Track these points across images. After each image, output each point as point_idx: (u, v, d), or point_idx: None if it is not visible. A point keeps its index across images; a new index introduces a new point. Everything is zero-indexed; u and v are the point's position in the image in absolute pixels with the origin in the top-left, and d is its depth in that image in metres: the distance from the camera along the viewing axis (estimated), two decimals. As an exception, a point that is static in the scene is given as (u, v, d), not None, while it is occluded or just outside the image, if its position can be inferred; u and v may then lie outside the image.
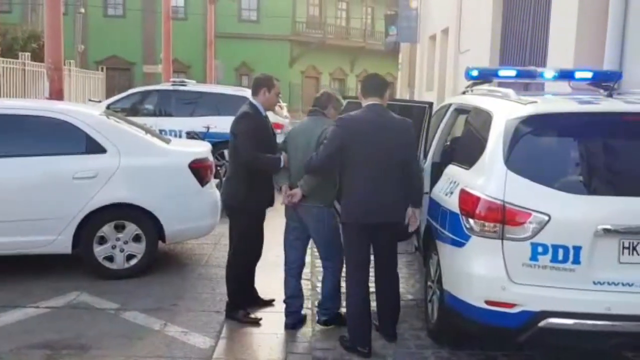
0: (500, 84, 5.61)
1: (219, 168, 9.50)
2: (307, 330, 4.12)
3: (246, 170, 4.15)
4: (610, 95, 3.76)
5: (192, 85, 11.18)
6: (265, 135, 4.27)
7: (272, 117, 10.37)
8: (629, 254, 3.10)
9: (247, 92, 10.83)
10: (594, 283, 3.10)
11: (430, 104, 5.33)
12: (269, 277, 4.77)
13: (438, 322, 3.85)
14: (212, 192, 5.67)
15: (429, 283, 4.11)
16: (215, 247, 6.18)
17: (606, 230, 3.09)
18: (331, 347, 3.87)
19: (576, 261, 3.10)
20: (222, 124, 9.93)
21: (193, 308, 4.49)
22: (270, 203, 4.39)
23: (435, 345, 3.88)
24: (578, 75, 4.29)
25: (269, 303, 4.54)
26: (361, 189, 3.69)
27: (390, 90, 4.04)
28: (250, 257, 4.44)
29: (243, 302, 4.29)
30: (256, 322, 4.18)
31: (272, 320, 4.26)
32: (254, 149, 4.07)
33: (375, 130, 3.69)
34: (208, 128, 9.66)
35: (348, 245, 3.87)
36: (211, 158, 5.86)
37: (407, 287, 4.97)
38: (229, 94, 10.65)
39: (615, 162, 3.38)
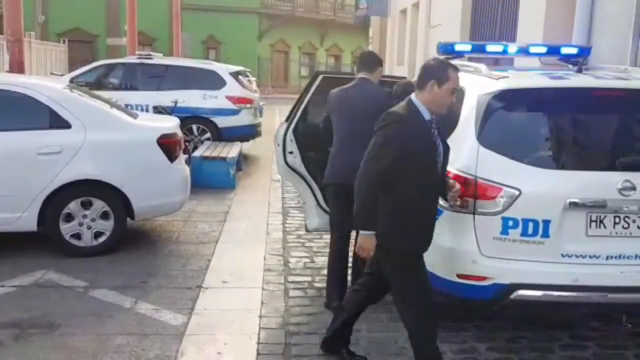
0: (470, 59, 5.64)
1: (187, 144, 9.36)
2: (280, 306, 4.13)
3: None
4: (579, 71, 3.81)
5: (159, 59, 10.91)
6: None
7: (241, 92, 10.31)
8: (596, 227, 3.17)
9: (216, 66, 10.75)
10: (562, 256, 3.17)
11: (409, 82, 5.31)
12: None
13: (410, 296, 3.89)
14: (182, 167, 5.57)
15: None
16: (185, 223, 6.12)
17: (574, 204, 3.14)
18: (304, 321, 3.89)
19: (545, 234, 3.16)
20: (191, 99, 9.82)
21: (164, 285, 4.45)
22: None
23: (407, 319, 3.93)
24: (534, 49, 4.29)
25: None
26: (339, 152, 3.95)
27: (381, 66, 4.23)
28: None
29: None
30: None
31: (245, 296, 4.26)
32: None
33: (351, 98, 3.92)
34: (176, 102, 9.50)
35: (330, 206, 4.11)
36: (180, 133, 5.75)
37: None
38: (198, 68, 10.45)
39: (584, 137, 3.44)
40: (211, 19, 30.76)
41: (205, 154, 8.30)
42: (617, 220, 3.16)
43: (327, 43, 37.16)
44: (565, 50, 4.40)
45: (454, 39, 11.88)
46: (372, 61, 4.21)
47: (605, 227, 3.17)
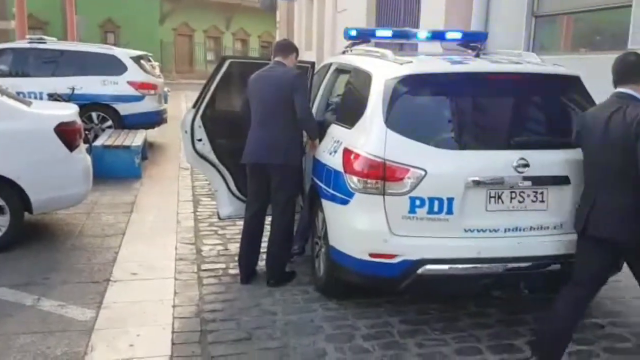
0: (377, 44, 5.79)
1: (87, 132, 8.89)
2: (194, 295, 4.06)
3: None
4: (477, 56, 4.02)
5: (53, 43, 10.23)
6: None
7: (144, 77, 9.91)
8: (495, 202, 3.38)
9: (116, 51, 10.25)
10: (465, 231, 3.36)
11: (312, 64, 5.36)
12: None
13: (325, 276, 3.97)
14: (83, 157, 5.29)
15: (316, 240, 4.22)
16: (89, 216, 5.83)
17: (475, 182, 3.34)
18: (219, 308, 3.86)
19: (449, 211, 3.33)
20: (89, 85, 9.31)
21: (68, 280, 4.23)
22: None
23: (322, 299, 4.01)
24: (449, 36, 4.53)
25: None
26: (253, 132, 4.15)
27: (295, 52, 4.38)
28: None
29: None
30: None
31: (157, 287, 4.15)
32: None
33: (265, 80, 4.11)
34: (73, 89, 8.97)
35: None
36: (79, 121, 5.44)
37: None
38: (96, 52, 9.93)
39: (482, 119, 3.65)
40: (108, 1, 29.18)
41: (108, 142, 7.94)
42: (513, 195, 3.40)
43: (233, 27, 36.50)
44: (450, 36, 4.67)
45: (360, 24, 12.15)
46: (286, 47, 4.40)
47: (503, 202, 3.39)
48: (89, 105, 9.21)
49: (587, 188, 3.08)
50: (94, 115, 9.42)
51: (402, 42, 6.07)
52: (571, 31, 6.79)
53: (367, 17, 12.68)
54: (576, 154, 3.53)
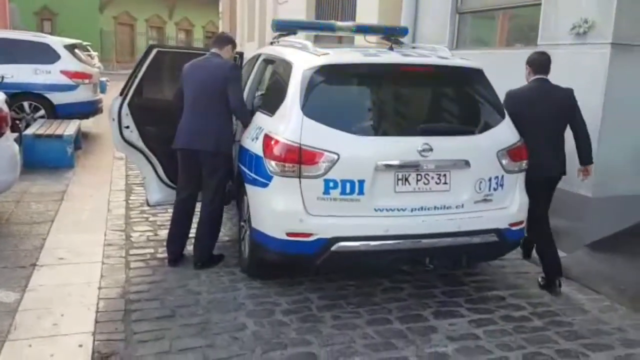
0: (316, 39, 6.05)
1: (18, 122, 8.69)
2: (121, 278, 4.17)
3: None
4: (391, 49, 4.29)
5: (-19, 30, 9.91)
6: None
7: (78, 66, 9.73)
8: (402, 184, 3.66)
9: (49, 39, 10.04)
10: (375, 210, 3.62)
11: (241, 54, 5.53)
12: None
13: (249, 258, 4.17)
14: (9, 145, 5.25)
15: (242, 223, 4.40)
16: (17, 204, 5.79)
17: (384, 166, 3.61)
18: (145, 289, 3.99)
19: (361, 192, 3.59)
20: (20, 73, 9.09)
21: (-6, 266, 4.25)
22: None
23: (247, 279, 4.21)
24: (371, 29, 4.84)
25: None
26: (185, 119, 4.33)
27: (230, 44, 4.55)
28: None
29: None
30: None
31: (84, 271, 4.22)
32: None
33: (200, 69, 4.30)
34: (2, 77, 8.73)
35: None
36: (6, 108, 5.38)
37: (224, 229, 5.20)
38: (27, 40, 9.69)
39: (391, 107, 3.92)
40: (45, -12, 28.26)
41: (39, 131, 7.81)
42: (419, 177, 3.69)
43: (176, 17, 35.94)
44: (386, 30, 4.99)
45: (300, 16, 12.33)
46: (222, 40, 4.58)
47: (409, 183, 3.68)
48: (20, 95, 9.02)
49: (533, 145, 3.99)
50: (25, 104, 9.23)
51: (340, 35, 6.31)
52: (498, 27, 7.17)
53: (307, 9, 12.85)
54: (476, 140, 3.88)
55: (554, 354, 3.37)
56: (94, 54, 17.83)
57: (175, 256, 4.44)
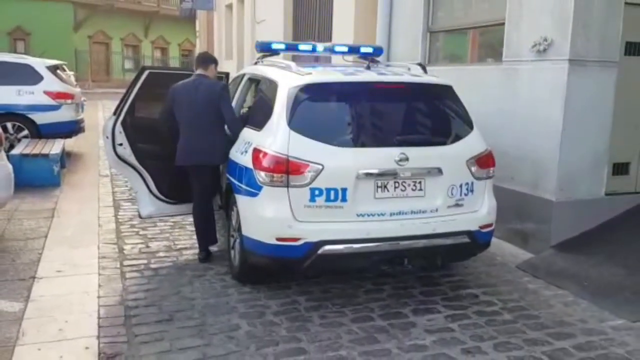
0: (295, 58, 6.39)
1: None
2: (118, 287, 4.39)
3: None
4: (368, 68, 4.64)
5: (-39, 51, 10.02)
6: None
7: (61, 87, 9.88)
8: (382, 191, 3.99)
9: (31, 60, 10.21)
10: (357, 215, 3.94)
11: (227, 74, 5.85)
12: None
13: (240, 265, 4.43)
14: (3, 164, 5.45)
15: (232, 232, 4.67)
16: (9, 222, 5.96)
17: (365, 174, 3.93)
18: (142, 297, 4.22)
19: (344, 199, 3.90)
20: (3, 95, 9.23)
21: (-6, 280, 4.43)
22: None
23: (238, 285, 4.47)
24: (342, 49, 5.23)
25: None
26: (182, 138, 4.78)
27: (214, 63, 5.03)
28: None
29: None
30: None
31: (82, 281, 4.43)
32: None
33: (192, 91, 4.74)
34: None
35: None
36: (0, 129, 5.59)
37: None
38: (9, 62, 9.86)
39: (370, 121, 4.24)
40: (18, 7, 28.22)
41: (25, 151, 7.97)
42: (396, 185, 4.02)
43: (152, 35, 36.06)
44: (364, 50, 5.34)
45: (278, 36, 12.69)
46: (205, 60, 5.01)
47: (388, 190, 4.01)
48: (3, 115, 9.16)
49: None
50: (9, 125, 9.36)
51: (316, 55, 6.66)
52: (469, 44, 7.59)
53: (284, 29, 13.22)
54: (448, 149, 4.24)
55: (521, 342, 3.70)
56: (71, 73, 17.86)
57: (206, 252, 5.06)
